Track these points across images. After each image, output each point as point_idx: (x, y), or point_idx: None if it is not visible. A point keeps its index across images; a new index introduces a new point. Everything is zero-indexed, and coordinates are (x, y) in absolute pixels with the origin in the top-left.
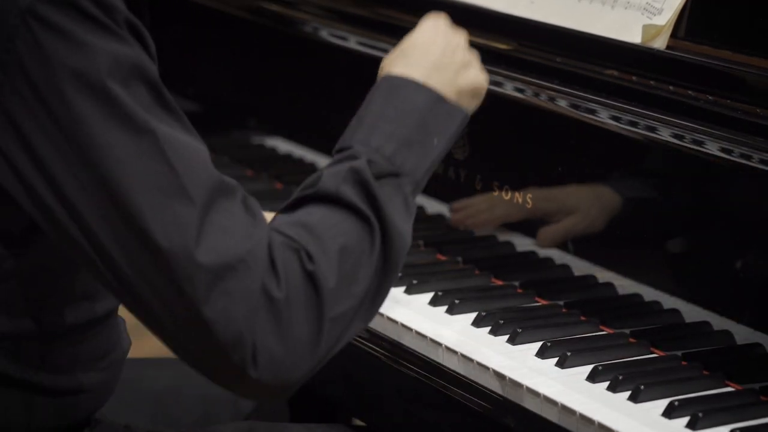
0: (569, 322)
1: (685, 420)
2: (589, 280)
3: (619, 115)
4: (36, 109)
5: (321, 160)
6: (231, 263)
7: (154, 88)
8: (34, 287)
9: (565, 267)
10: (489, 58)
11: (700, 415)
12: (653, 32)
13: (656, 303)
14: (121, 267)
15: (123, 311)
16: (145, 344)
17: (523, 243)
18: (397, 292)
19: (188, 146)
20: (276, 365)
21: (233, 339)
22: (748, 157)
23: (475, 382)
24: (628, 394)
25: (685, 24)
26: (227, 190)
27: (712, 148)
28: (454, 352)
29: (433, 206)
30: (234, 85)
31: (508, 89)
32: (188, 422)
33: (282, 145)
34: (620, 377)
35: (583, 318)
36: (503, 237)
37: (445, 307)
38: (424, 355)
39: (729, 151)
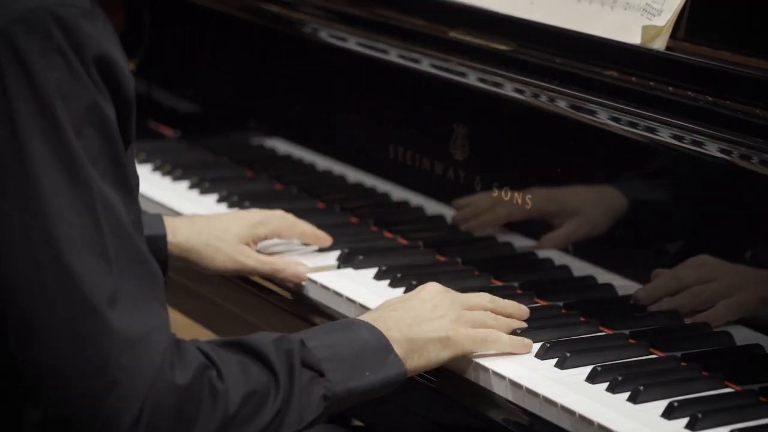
0: (569, 323)
1: (685, 421)
2: (588, 281)
3: (619, 116)
4: None
5: (320, 161)
6: (139, 335)
7: (105, 136)
8: None
9: (565, 268)
10: (489, 59)
11: (700, 415)
12: (653, 33)
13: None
14: (38, 306)
15: None
16: None
17: (522, 244)
18: (397, 293)
19: (120, 213)
20: None
21: (127, 404)
22: (748, 158)
23: (474, 383)
24: (627, 394)
25: (685, 25)
26: (144, 262)
27: (712, 148)
28: None
29: (433, 207)
30: (234, 86)
31: (508, 90)
32: None
33: (281, 146)
34: (620, 378)
35: (582, 319)
36: (503, 238)
37: None
38: None
39: (729, 152)
